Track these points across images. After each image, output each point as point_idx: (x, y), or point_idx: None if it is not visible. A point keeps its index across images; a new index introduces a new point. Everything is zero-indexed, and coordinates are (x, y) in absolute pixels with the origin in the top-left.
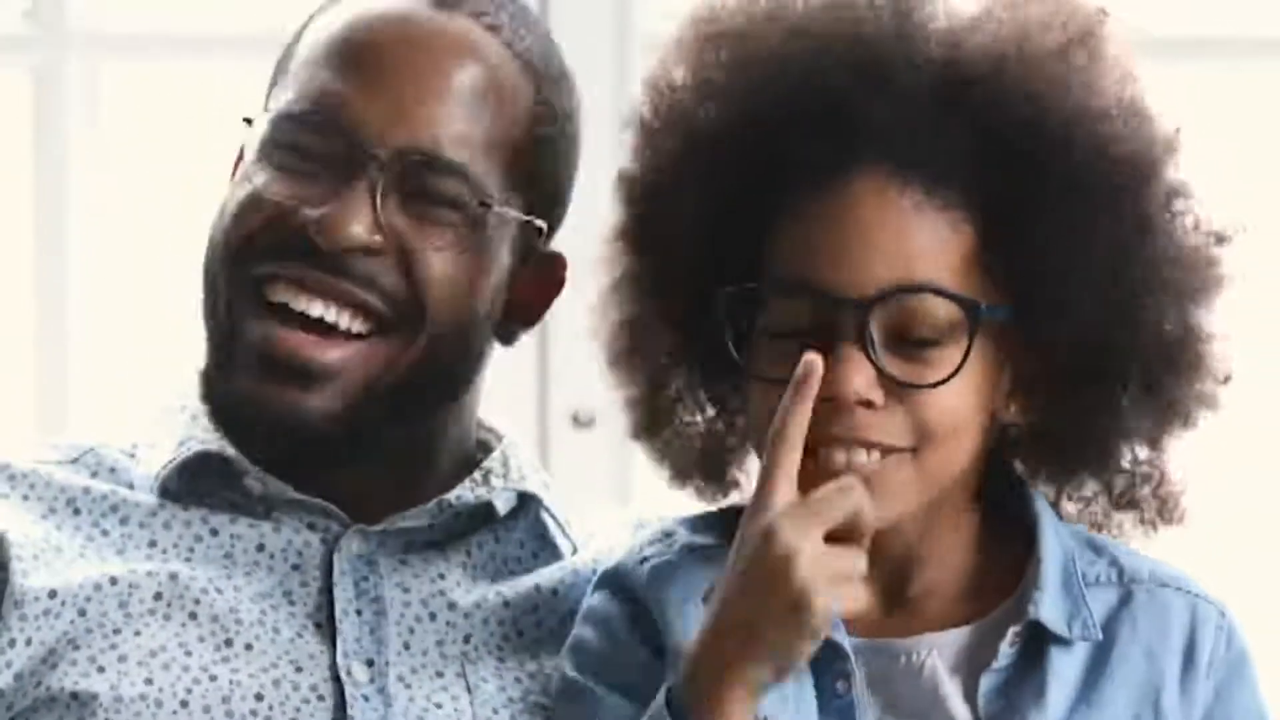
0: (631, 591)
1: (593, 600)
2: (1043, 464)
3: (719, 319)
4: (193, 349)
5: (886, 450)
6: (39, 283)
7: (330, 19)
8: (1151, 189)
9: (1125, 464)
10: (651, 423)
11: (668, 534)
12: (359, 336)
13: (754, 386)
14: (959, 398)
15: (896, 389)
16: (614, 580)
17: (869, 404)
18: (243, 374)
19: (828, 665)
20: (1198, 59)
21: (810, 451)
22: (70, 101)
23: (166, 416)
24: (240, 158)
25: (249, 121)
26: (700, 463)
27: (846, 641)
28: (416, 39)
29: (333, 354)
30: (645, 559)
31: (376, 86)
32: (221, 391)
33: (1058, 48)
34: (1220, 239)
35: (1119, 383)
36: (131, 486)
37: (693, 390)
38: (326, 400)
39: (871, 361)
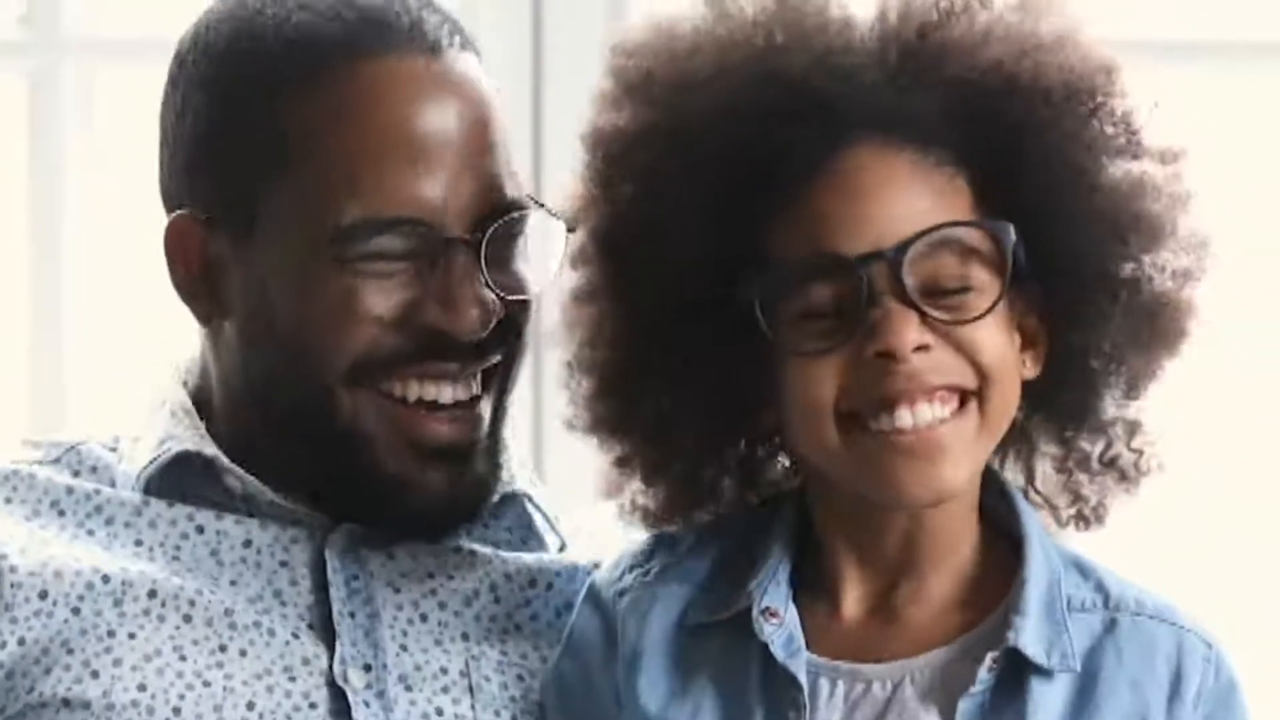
0: (610, 616)
1: (579, 620)
2: (1049, 420)
3: (750, 309)
4: (188, 351)
5: (953, 391)
6: (34, 288)
7: (366, 93)
8: (1107, 109)
9: (1112, 414)
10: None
11: (648, 554)
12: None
13: (793, 365)
14: (1002, 335)
15: (944, 330)
16: (596, 597)
17: (923, 348)
18: (390, 459)
19: (780, 694)
20: (1195, 61)
21: (865, 421)
22: (65, 107)
23: (149, 412)
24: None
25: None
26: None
27: (802, 671)
28: (468, 106)
29: (480, 415)
30: (623, 590)
31: (453, 176)
32: (336, 468)
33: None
34: (1175, 157)
35: (1108, 323)
36: (114, 484)
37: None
38: (482, 463)
39: (915, 307)
